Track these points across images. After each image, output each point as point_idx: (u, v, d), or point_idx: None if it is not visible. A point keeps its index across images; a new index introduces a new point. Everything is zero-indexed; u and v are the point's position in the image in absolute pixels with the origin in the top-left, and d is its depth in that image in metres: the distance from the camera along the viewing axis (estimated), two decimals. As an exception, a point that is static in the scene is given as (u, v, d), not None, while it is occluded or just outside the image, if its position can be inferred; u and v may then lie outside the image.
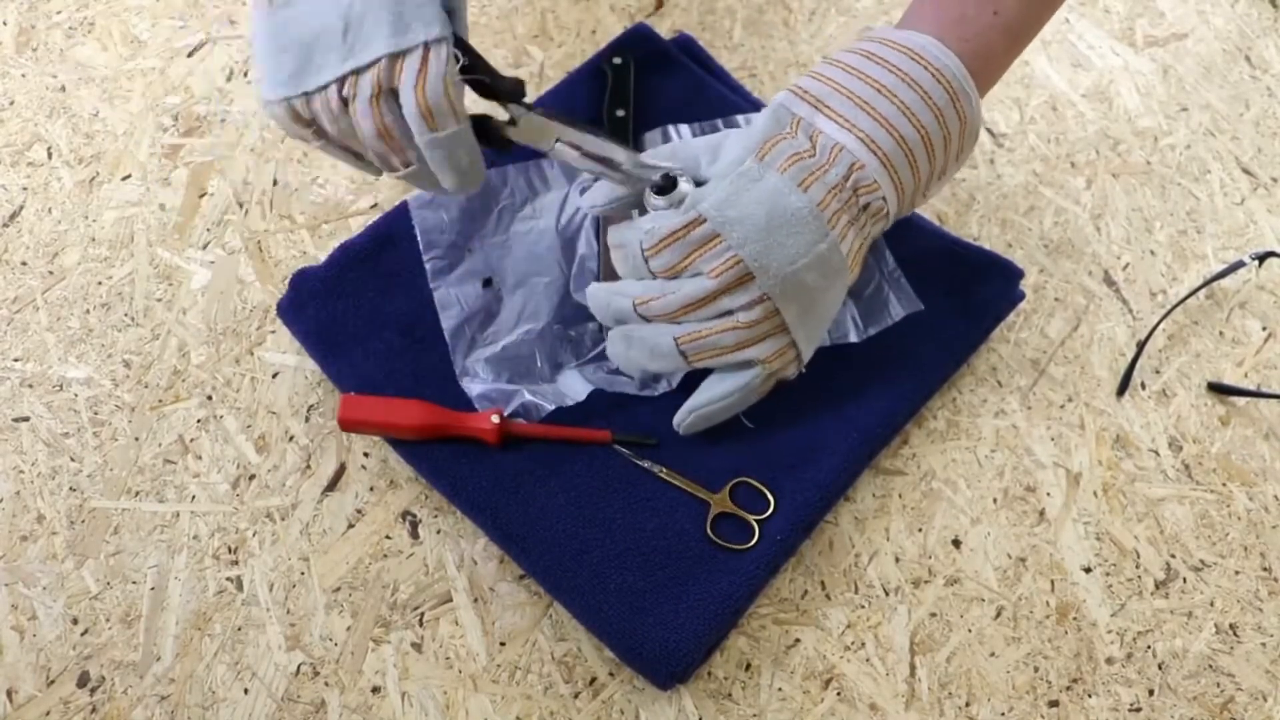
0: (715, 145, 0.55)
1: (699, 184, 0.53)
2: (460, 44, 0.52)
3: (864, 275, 0.64)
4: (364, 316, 0.62)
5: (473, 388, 0.60)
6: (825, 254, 0.52)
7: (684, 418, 0.57)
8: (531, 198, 0.67)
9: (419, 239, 0.64)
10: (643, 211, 0.55)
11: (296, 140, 0.58)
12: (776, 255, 0.51)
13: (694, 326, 0.53)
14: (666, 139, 0.69)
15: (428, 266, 0.63)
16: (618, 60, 0.71)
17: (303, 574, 0.57)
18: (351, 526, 0.58)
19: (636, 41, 0.73)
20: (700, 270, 0.52)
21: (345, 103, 0.51)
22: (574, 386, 0.60)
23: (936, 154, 0.53)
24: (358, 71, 0.50)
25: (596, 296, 0.56)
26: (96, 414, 0.61)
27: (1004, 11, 0.54)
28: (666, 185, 0.53)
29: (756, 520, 0.56)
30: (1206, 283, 0.68)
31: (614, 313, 0.55)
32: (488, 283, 0.63)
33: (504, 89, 0.54)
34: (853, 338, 0.62)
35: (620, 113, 0.66)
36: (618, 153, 0.54)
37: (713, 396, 0.56)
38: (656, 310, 0.53)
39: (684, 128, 0.70)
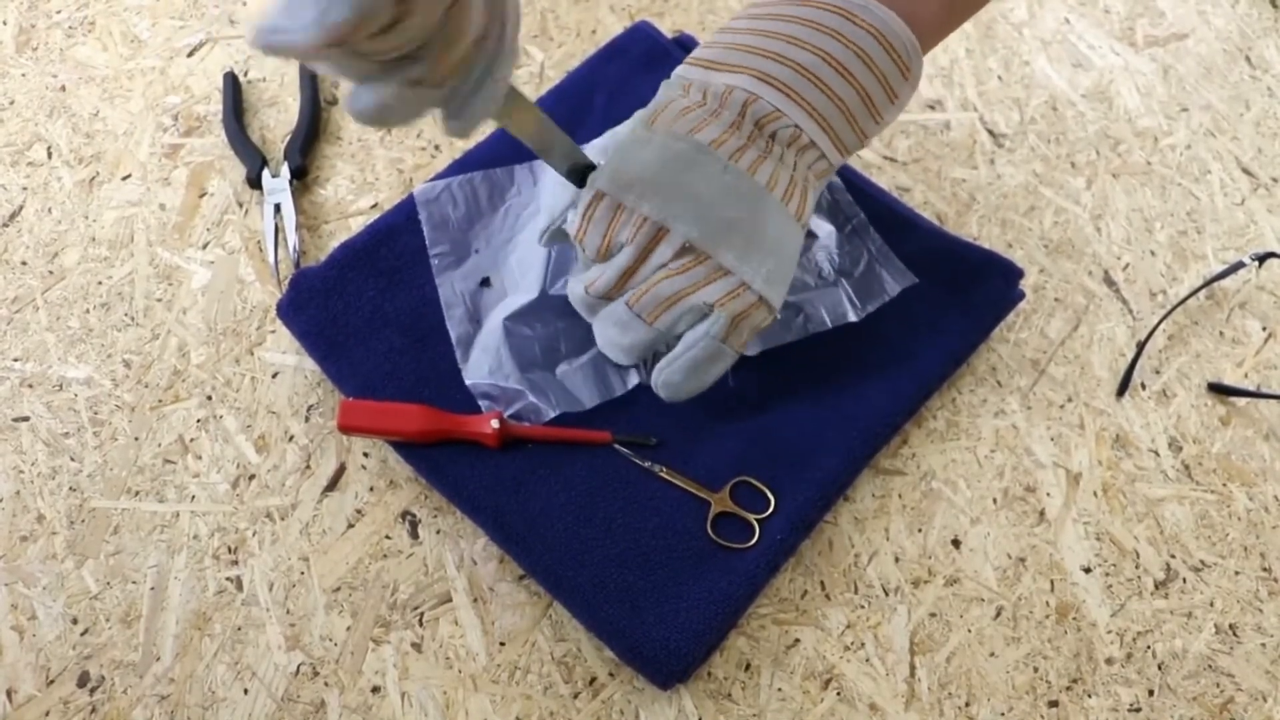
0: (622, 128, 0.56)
1: None
2: None
3: (851, 255, 0.64)
4: (364, 316, 0.62)
5: (476, 387, 0.60)
6: (733, 185, 0.53)
7: (657, 376, 0.55)
8: (537, 196, 0.67)
9: (425, 234, 0.64)
10: None
11: None
12: (680, 201, 0.53)
13: (639, 287, 0.54)
14: None
15: (433, 261, 0.63)
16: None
17: (303, 574, 0.57)
18: (351, 526, 0.58)
19: (637, 40, 0.73)
20: (622, 241, 0.53)
21: None
22: (579, 388, 0.60)
23: (850, 71, 0.53)
24: None
25: (570, 293, 0.57)
26: (96, 414, 0.61)
27: None
28: (580, 176, 0.55)
29: (757, 520, 0.56)
30: (1207, 283, 0.68)
31: (577, 304, 0.56)
32: (485, 282, 0.63)
33: None
34: (852, 317, 0.62)
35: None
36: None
37: (680, 349, 0.55)
38: (600, 289, 0.54)
39: None
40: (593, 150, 0.58)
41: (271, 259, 0.66)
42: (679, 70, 0.56)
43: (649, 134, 0.54)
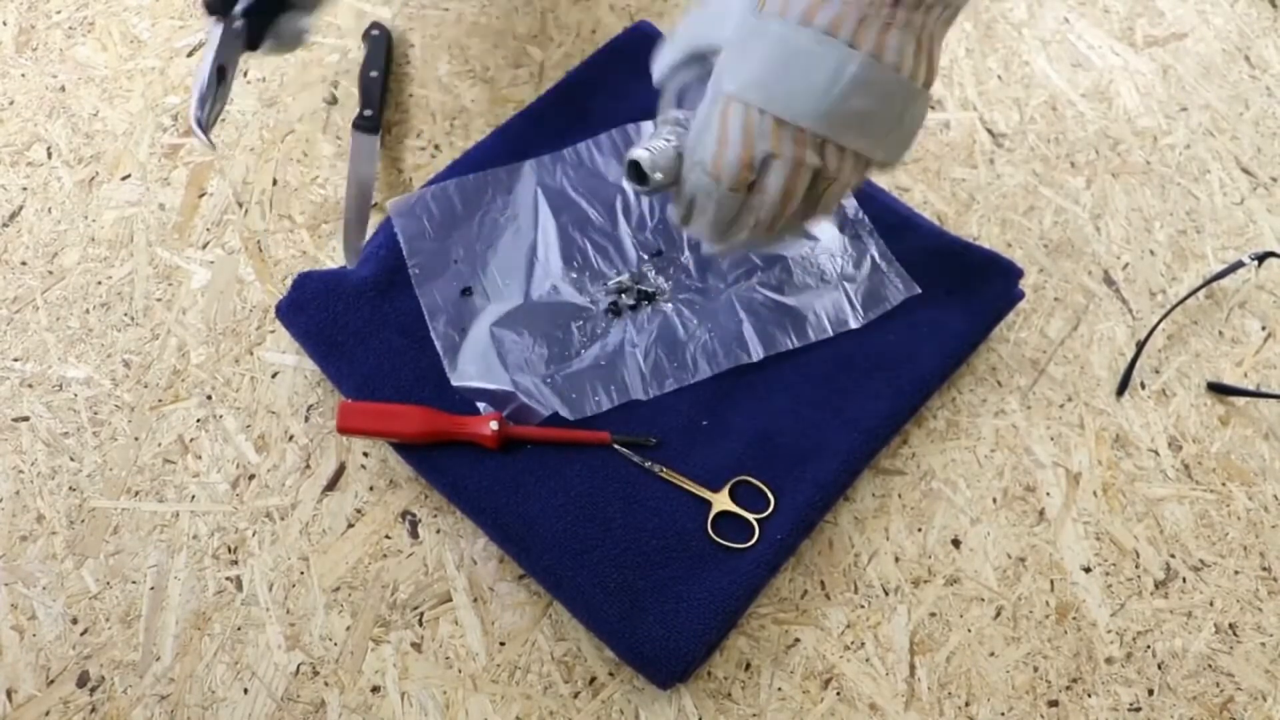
0: (720, 11, 0.52)
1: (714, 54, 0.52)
2: None
3: (855, 259, 0.65)
4: (364, 316, 0.62)
5: (468, 390, 0.59)
6: (859, 75, 0.48)
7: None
8: (510, 200, 0.66)
9: (402, 246, 0.64)
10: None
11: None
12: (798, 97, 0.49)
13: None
14: (625, 138, 0.69)
15: (413, 273, 0.63)
16: (375, 32, 0.75)
17: (302, 574, 0.57)
18: (351, 526, 0.58)
19: (637, 41, 0.73)
20: (769, 151, 0.50)
21: None
22: (563, 401, 0.60)
23: None
24: None
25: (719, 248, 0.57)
26: (96, 414, 0.61)
27: None
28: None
29: (757, 519, 0.56)
30: (1206, 283, 0.68)
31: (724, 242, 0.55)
32: (466, 291, 0.63)
33: None
34: (853, 324, 0.63)
35: (374, 73, 0.72)
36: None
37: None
38: (765, 218, 0.52)
39: (645, 124, 0.69)
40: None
41: (193, 110, 0.56)
42: None
43: (760, 23, 0.49)
